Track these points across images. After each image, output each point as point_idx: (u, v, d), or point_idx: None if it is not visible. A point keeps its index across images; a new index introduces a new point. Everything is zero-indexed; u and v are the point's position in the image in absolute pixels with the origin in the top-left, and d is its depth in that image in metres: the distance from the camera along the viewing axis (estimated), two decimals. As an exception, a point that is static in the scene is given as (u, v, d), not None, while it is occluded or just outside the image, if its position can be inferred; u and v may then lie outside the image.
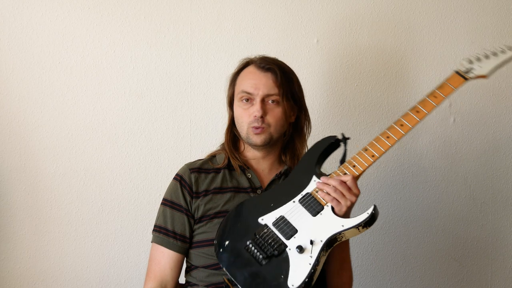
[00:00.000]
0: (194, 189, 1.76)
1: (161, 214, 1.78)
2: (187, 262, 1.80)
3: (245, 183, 1.78)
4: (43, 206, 2.20)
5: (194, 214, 1.75)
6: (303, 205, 1.63)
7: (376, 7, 2.34)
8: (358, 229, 1.57)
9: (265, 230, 1.61)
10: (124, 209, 2.22)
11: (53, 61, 2.17)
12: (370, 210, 1.58)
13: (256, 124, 1.73)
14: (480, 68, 1.72)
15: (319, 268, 1.55)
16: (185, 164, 1.82)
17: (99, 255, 2.23)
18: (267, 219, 1.63)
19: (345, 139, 1.73)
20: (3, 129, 2.16)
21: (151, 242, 1.78)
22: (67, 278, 2.22)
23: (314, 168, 1.69)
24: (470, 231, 2.46)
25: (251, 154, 1.82)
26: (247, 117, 1.74)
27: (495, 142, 2.45)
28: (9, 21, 2.14)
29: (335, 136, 1.73)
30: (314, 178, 1.67)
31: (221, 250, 1.62)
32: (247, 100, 1.74)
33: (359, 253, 2.39)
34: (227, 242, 1.62)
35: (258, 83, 1.73)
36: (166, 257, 1.74)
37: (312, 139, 2.28)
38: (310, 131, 1.86)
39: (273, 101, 1.74)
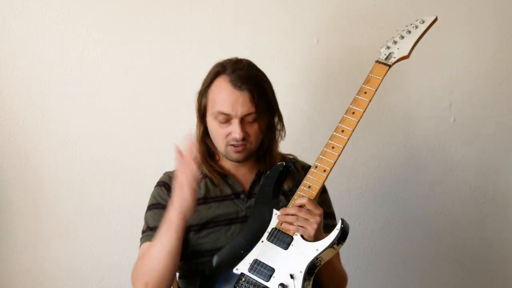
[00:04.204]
0: None
1: (150, 218, 1.74)
2: (178, 271, 1.78)
3: (227, 190, 1.76)
4: (43, 206, 2.20)
5: None
6: (272, 242, 1.59)
7: (376, 7, 2.34)
8: (334, 247, 1.53)
9: (243, 279, 1.57)
10: (124, 209, 2.22)
11: (53, 61, 2.17)
12: (339, 226, 1.54)
13: (235, 143, 1.69)
14: (399, 51, 1.72)
15: None
16: (164, 173, 1.80)
17: (99, 255, 2.23)
18: (242, 267, 1.58)
19: (292, 163, 1.72)
20: (3, 129, 2.16)
21: (141, 244, 1.73)
22: (67, 278, 2.22)
23: (272, 201, 1.65)
24: (470, 231, 2.46)
25: (229, 163, 1.78)
26: (224, 136, 1.70)
27: (495, 142, 2.45)
28: (9, 21, 2.14)
29: (282, 164, 1.71)
30: (275, 211, 1.63)
31: None
32: (223, 119, 1.69)
33: (359, 253, 2.39)
34: None
35: (235, 103, 1.67)
36: None
37: (312, 139, 2.29)
38: (284, 135, 1.82)
39: (250, 118, 1.69)
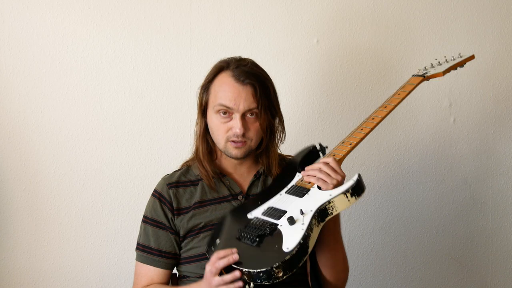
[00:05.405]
0: (174, 205, 1.73)
1: (143, 232, 1.75)
2: (179, 271, 1.79)
3: (224, 192, 1.76)
4: (43, 206, 2.20)
5: (179, 231, 1.73)
6: (289, 194, 1.64)
7: (376, 7, 2.35)
8: (346, 196, 1.55)
9: (254, 219, 1.60)
10: (124, 209, 2.22)
11: (53, 61, 2.17)
12: (355, 177, 1.57)
13: (235, 139, 1.69)
14: (434, 70, 1.98)
15: (314, 236, 1.52)
16: (162, 179, 1.79)
17: (99, 255, 2.23)
18: (256, 213, 1.62)
19: (323, 148, 1.76)
20: (3, 129, 2.16)
21: (135, 260, 1.76)
22: (67, 278, 2.22)
23: (297, 169, 1.72)
24: (470, 231, 2.46)
25: (228, 162, 1.78)
26: (225, 131, 1.70)
27: (495, 142, 2.45)
28: (9, 21, 2.14)
29: (314, 145, 1.77)
30: (297, 174, 1.70)
31: (212, 248, 1.58)
32: (225, 113, 1.69)
33: (359, 253, 2.39)
34: (218, 241, 1.60)
35: (237, 97, 1.67)
36: (153, 273, 1.73)
37: (313, 139, 2.29)
38: (284, 137, 1.82)
39: (252, 114, 1.69)
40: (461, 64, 2.02)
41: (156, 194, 1.77)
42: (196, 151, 1.79)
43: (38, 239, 2.20)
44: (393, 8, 2.35)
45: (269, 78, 1.76)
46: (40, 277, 2.21)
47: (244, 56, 1.78)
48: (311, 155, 1.77)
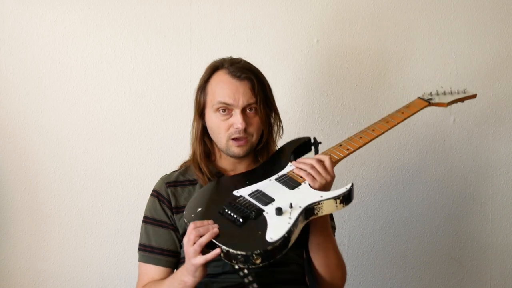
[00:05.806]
0: (173, 203, 1.73)
1: (144, 232, 1.75)
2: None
3: None
4: (43, 206, 2.20)
5: (179, 229, 1.73)
6: (279, 182, 1.63)
7: (376, 7, 2.35)
8: (336, 201, 1.55)
9: (241, 198, 1.58)
10: (124, 209, 2.22)
11: (53, 61, 2.17)
12: (348, 186, 1.56)
13: (237, 135, 1.69)
14: (439, 98, 2.01)
15: (297, 232, 1.51)
16: (160, 178, 1.79)
17: (99, 255, 2.23)
18: (242, 192, 1.61)
19: (316, 143, 1.77)
20: (3, 129, 2.16)
21: (138, 261, 1.75)
22: (67, 278, 2.22)
23: (289, 158, 1.72)
24: (470, 231, 2.46)
25: (227, 161, 1.78)
26: (226, 129, 1.69)
27: (495, 142, 2.45)
28: (9, 21, 2.15)
29: (309, 137, 1.78)
30: (290, 164, 1.69)
31: (192, 215, 1.56)
32: (224, 110, 1.69)
33: (359, 253, 2.39)
34: (199, 209, 1.57)
35: (236, 93, 1.67)
36: (154, 271, 1.72)
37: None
38: (282, 132, 1.82)
39: (251, 109, 1.70)
40: (463, 100, 2.04)
41: (155, 193, 1.77)
42: (193, 154, 1.79)
43: (38, 239, 2.20)
44: (393, 8, 2.35)
45: (262, 73, 1.76)
46: (40, 277, 2.21)
47: (244, 56, 1.78)
48: (305, 146, 1.78)
